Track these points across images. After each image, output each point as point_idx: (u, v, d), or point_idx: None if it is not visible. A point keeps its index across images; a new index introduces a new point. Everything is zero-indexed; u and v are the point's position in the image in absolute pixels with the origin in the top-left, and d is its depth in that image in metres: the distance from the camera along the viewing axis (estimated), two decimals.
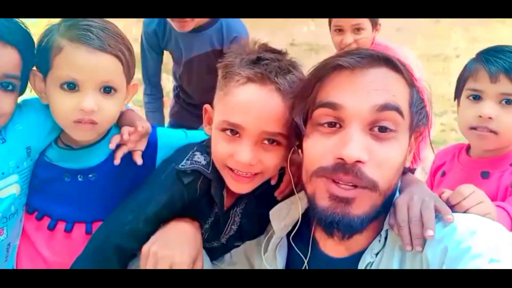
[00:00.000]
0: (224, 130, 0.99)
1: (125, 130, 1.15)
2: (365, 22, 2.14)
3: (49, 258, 1.19)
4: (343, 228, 0.83)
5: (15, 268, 1.20)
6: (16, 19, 1.06)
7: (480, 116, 1.25)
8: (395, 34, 3.62)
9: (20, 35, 1.05)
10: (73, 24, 1.05)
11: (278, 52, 1.04)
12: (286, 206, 1.04)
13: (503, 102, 1.23)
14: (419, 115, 0.88)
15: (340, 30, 2.18)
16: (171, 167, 1.11)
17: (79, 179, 1.18)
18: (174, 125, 2.49)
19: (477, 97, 1.27)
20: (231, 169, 1.02)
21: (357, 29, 2.14)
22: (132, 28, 4.56)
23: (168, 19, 2.06)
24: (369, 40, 2.21)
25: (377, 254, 0.87)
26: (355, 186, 0.82)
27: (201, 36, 2.08)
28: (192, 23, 1.99)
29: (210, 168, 1.08)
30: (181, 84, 2.41)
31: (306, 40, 3.97)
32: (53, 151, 1.18)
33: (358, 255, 0.89)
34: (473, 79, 1.27)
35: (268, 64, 0.97)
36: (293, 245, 1.00)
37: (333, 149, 0.82)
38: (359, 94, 0.82)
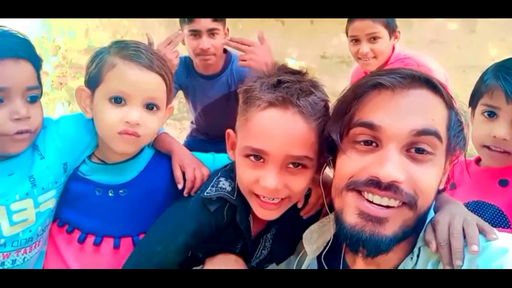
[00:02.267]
0: (248, 156, 0.98)
1: (198, 181, 1.19)
2: (381, 31, 2.12)
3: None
4: (369, 247, 0.81)
5: None
6: (15, 31, 1.11)
7: (495, 136, 1.21)
8: (428, 45, 3.55)
9: (27, 46, 1.10)
10: (124, 46, 1.15)
11: (298, 73, 1.03)
12: (318, 229, 1.03)
13: None
14: (456, 139, 0.86)
15: (356, 40, 2.17)
16: (196, 195, 1.12)
17: (110, 194, 1.22)
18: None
19: (492, 114, 1.23)
20: (257, 196, 1.00)
21: (373, 38, 2.13)
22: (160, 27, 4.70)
23: (193, 58, 2.24)
24: (388, 49, 2.18)
25: None
26: (389, 207, 0.80)
27: (217, 81, 2.33)
28: (214, 58, 2.18)
29: (235, 194, 1.08)
30: (197, 121, 2.56)
31: (337, 52, 3.95)
32: (86, 166, 1.23)
33: None
34: (489, 96, 1.22)
35: (289, 87, 0.95)
36: (324, 265, 0.98)
37: (369, 168, 0.82)
38: (398, 116, 0.81)
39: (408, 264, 0.85)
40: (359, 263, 0.92)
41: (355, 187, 0.83)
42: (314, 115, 0.95)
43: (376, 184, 0.80)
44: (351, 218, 0.83)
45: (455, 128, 0.86)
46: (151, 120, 1.15)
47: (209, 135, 2.53)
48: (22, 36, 1.11)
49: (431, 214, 0.89)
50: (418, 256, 0.85)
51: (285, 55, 4.07)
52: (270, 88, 0.96)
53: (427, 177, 0.81)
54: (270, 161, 0.95)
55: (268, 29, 4.30)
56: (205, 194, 1.08)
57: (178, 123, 4.61)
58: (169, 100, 1.22)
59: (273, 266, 1.17)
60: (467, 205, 1.23)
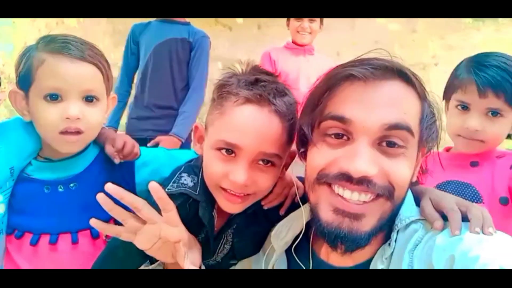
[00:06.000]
0: (219, 149, 0.97)
1: (128, 145, 1.23)
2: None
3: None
4: (347, 243, 0.80)
5: None
6: None
7: (467, 128, 1.28)
8: (373, 45, 3.66)
9: None
10: (51, 39, 1.10)
11: (272, 74, 1.04)
12: (286, 224, 1.02)
13: (489, 114, 1.27)
14: (429, 131, 0.85)
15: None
16: None
17: (60, 189, 1.17)
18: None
19: (465, 107, 1.30)
20: (223, 189, 1.00)
21: (311, 20, 2.70)
22: (110, 54, 4.58)
23: None
24: (318, 30, 2.76)
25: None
26: (364, 202, 0.80)
27: (174, 25, 2.57)
28: None
29: (198, 189, 1.06)
30: (140, 84, 2.60)
31: None
32: (32, 166, 1.18)
33: (365, 264, 0.86)
34: (463, 91, 1.29)
35: (266, 86, 0.97)
36: (295, 257, 0.97)
37: (340, 161, 0.80)
38: (370, 109, 0.79)
39: (387, 250, 0.83)
40: (332, 255, 0.91)
41: (326, 180, 0.82)
42: (288, 116, 0.97)
43: (347, 178, 0.79)
44: (326, 215, 0.82)
45: (428, 120, 0.85)
46: (92, 113, 1.11)
47: (153, 96, 2.57)
48: None
49: (410, 206, 0.88)
50: (396, 241, 0.84)
51: (234, 61, 4.08)
52: (248, 85, 0.97)
53: (399, 169, 0.80)
54: (242, 156, 0.96)
55: (216, 35, 4.29)
56: (166, 190, 1.03)
57: None
58: (108, 90, 1.18)
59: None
60: (446, 184, 1.31)
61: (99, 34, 4.36)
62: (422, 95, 0.84)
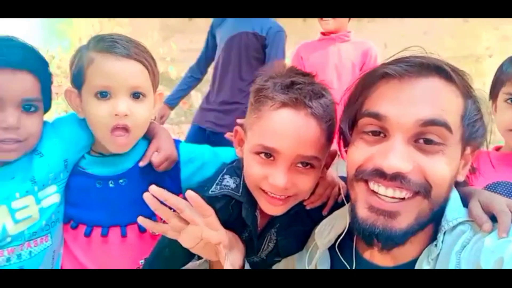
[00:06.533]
0: (258, 153, 0.99)
1: (154, 157, 1.24)
2: None
3: (88, 266, 1.23)
4: (383, 241, 0.81)
5: None
6: (22, 42, 1.12)
7: None
8: (422, 37, 3.56)
9: (32, 58, 1.11)
10: (100, 39, 1.16)
11: (308, 75, 1.04)
12: (329, 222, 1.03)
13: None
14: (472, 128, 0.83)
15: None
16: (202, 195, 1.10)
17: (110, 185, 1.23)
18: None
19: None
20: (264, 191, 1.02)
21: None
22: (159, 48, 4.70)
23: None
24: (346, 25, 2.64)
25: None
26: (401, 199, 0.80)
27: (247, 18, 2.51)
28: None
29: (241, 190, 1.08)
30: (213, 77, 2.63)
31: None
32: (85, 161, 1.25)
33: (409, 264, 0.87)
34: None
35: (302, 89, 0.97)
36: (339, 255, 0.98)
37: (375, 158, 0.82)
38: (405, 106, 0.80)
39: (433, 251, 0.83)
40: (376, 255, 0.91)
41: (362, 176, 0.84)
42: (325, 117, 0.97)
43: (381, 174, 0.80)
44: (362, 212, 0.83)
45: (472, 117, 0.83)
46: (139, 110, 1.16)
47: (220, 90, 2.59)
48: (29, 47, 1.12)
49: (457, 207, 0.87)
50: (442, 242, 0.83)
51: None
52: (284, 88, 0.97)
53: (438, 167, 0.79)
54: (281, 159, 0.97)
55: None
56: (209, 192, 1.08)
57: (176, 127, 4.62)
58: (155, 86, 1.22)
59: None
60: (496, 185, 1.27)
61: (148, 29, 4.48)
62: (464, 92, 0.83)
